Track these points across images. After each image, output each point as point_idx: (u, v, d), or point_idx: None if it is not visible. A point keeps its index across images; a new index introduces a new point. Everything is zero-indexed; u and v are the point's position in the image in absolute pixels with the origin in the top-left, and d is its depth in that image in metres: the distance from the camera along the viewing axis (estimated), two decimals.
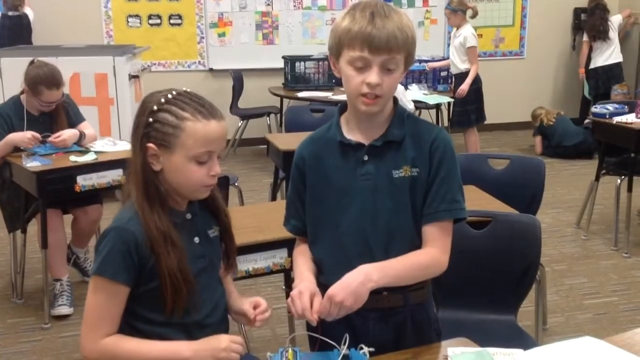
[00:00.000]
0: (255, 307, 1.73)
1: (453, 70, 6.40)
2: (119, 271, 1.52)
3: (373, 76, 1.60)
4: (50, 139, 3.64)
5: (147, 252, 1.53)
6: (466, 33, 6.08)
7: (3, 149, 3.60)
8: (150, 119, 1.55)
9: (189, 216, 1.64)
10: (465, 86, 6.16)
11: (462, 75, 6.22)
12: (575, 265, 4.32)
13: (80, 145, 3.75)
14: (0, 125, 3.62)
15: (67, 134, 3.68)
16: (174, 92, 1.58)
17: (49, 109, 3.67)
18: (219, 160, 1.62)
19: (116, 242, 1.53)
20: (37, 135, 3.61)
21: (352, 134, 1.73)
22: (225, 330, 1.71)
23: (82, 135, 3.77)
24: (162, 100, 1.56)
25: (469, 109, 6.28)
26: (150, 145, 1.55)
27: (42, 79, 3.56)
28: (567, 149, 6.98)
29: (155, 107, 1.55)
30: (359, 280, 1.57)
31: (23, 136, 3.59)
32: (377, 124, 1.71)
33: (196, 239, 1.64)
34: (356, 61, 1.61)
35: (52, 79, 3.58)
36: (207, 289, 1.64)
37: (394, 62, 1.61)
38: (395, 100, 1.74)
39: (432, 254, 1.69)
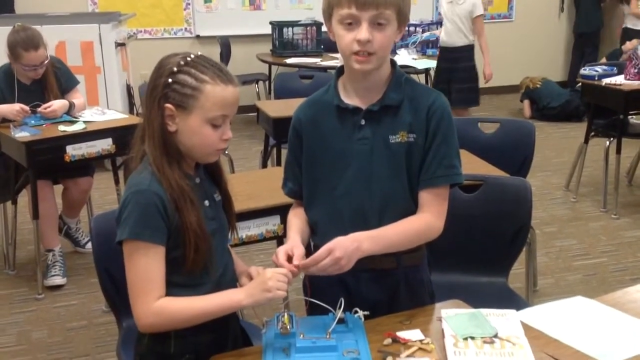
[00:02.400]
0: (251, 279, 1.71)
1: (448, 43, 5.65)
2: (155, 233, 1.52)
3: (363, 32, 1.59)
4: (39, 109, 3.61)
5: (172, 212, 1.54)
6: None
7: None
8: (170, 80, 1.55)
9: (198, 180, 1.65)
10: (489, 69, 5.66)
11: (463, 51, 5.61)
12: (565, 227, 4.36)
13: (70, 115, 3.72)
14: None
15: (57, 105, 3.65)
16: (192, 55, 1.58)
17: (35, 73, 3.61)
18: (230, 125, 1.63)
19: (145, 205, 1.51)
20: (26, 107, 3.58)
21: (349, 98, 1.73)
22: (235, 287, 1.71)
23: (71, 105, 3.74)
24: (182, 62, 1.56)
25: (475, 86, 5.74)
26: (168, 105, 1.55)
27: (18, 42, 3.51)
28: (555, 110, 6.99)
29: (175, 69, 1.55)
30: (353, 246, 1.59)
31: (11, 108, 3.56)
32: (374, 87, 1.70)
33: (206, 202, 1.65)
34: (345, 19, 1.61)
35: (29, 41, 3.52)
36: (218, 250, 1.66)
37: (384, 17, 1.60)
38: (393, 63, 1.73)
39: (425, 219, 1.70)
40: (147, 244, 1.52)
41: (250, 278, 1.69)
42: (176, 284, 1.58)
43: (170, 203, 1.53)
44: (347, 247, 1.57)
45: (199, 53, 1.61)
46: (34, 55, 3.53)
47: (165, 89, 1.55)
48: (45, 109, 3.61)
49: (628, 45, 6.56)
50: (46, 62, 3.61)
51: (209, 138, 1.57)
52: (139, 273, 1.53)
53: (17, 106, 3.56)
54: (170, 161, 1.57)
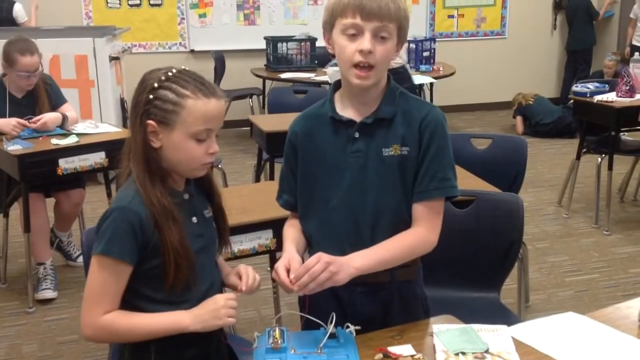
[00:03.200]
0: (240, 277, 1.73)
1: None
2: (124, 251, 1.52)
3: (366, 42, 1.60)
4: (30, 121, 3.61)
5: (150, 230, 1.53)
6: None
7: None
8: (151, 96, 1.54)
9: (186, 196, 1.64)
10: None
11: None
12: (557, 243, 4.37)
13: (63, 128, 3.72)
14: None
15: (48, 117, 3.65)
16: (174, 70, 1.58)
17: (28, 82, 3.60)
18: (216, 138, 1.63)
19: (121, 222, 1.52)
20: (23, 121, 3.57)
21: (344, 111, 1.73)
22: None
23: (64, 118, 3.74)
24: (163, 77, 1.56)
25: None
26: (150, 122, 1.54)
27: (14, 47, 3.54)
28: (547, 126, 7.03)
29: (156, 84, 1.55)
30: (344, 258, 1.60)
31: (7, 123, 3.55)
32: (369, 100, 1.71)
33: (194, 219, 1.64)
34: (349, 28, 1.62)
35: (25, 46, 3.55)
36: (204, 268, 1.65)
37: (387, 31, 1.62)
38: (388, 76, 1.74)
39: (418, 233, 1.70)
40: (114, 260, 1.53)
41: (239, 277, 1.71)
42: (157, 300, 1.58)
43: (149, 221, 1.53)
44: (336, 257, 1.58)
45: (183, 67, 1.60)
46: (29, 60, 3.54)
47: (146, 105, 1.55)
48: (35, 122, 3.61)
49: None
50: (39, 71, 3.62)
51: (193, 153, 1.56)
52: (96, 284, 1.55)
53: (13, 120, 3.56)
54: (153, 178, 1.56)
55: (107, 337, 1.59)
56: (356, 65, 1.63)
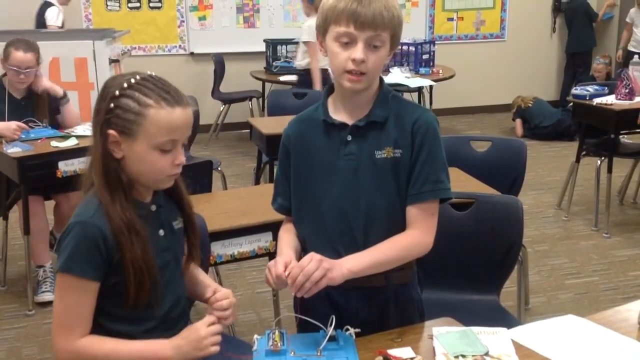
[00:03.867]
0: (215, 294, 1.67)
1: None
2: (86, 268, 1.46)
3: (358, 52, 1.60)
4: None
5: (113, 244, 1.48)
6: None
7: None
8: (112, 105, 1.48)
9: (153, 208, 1.59)
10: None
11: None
12: (557, 246, 4.37)
13: (60, 104, 3.76)
14: None
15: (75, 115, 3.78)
16: (137, 77, 1.51)
17: (19, 79, 3.60)
18: (183, 147, 1.56)
19: (81, 238, 1.46)
20: (23, 125, 3.58)
21: (337, 114, 1.74)
22: (185, 324, 1.65)
23: (65, 95, 3.79)
24: (125, 85, 1.49)
25: None
26: (111, 132, 1.48)
27: (13, 42, 3.60)
28: (547, 129, 7.03)
29: (117, 92, 1.48)
30: (338, 261, 1.61)
31: (8, 126, 3.55)
32: (361, 103, 1.72)
33: (161, 232, 1.60)
34: (342, 37, 1.62)
35: (22, 43, 3.60)
36: (170, 283, 1.60)
37: (380, 40, 1.62)
38: (381, 80, 1.75)
39: (412, 235, 1.70)
40: (77, 278, 1.47)
41: (214, 293, 1.65)
42: (117, 317, 1.54)
43: (112, 235, 1.47)
44: (327, 264, 1.57)
45: (149, 73, 1.54)
46: (21, 55, 3.56)
47: (107, 114, 1.48)
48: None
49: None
50: (33, 71, 3.63)
51: (158, 164, 1.50)
52: (65, 307, 1.49)
53: (13, 124, 3.56)
54: (113, 191, 1.49)
55: None
56: (349, 72, 1.64)
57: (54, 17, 6.16)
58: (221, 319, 1.60)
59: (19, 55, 3.56)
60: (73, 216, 1.51)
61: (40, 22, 6.28)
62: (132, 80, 1.50)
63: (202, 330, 1.52)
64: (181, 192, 1.67)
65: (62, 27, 6.10)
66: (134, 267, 1.48)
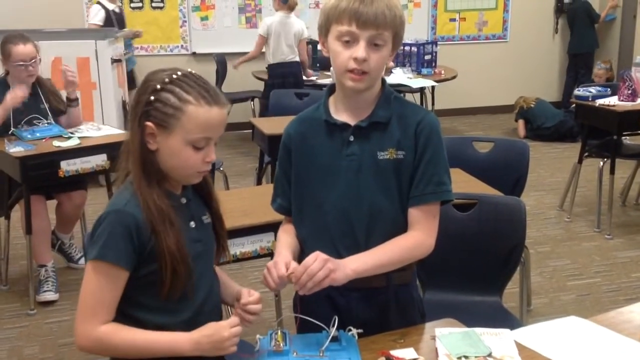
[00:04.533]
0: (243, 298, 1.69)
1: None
2: (120, 255, 1.48)
3: (360, 51, 1.60)
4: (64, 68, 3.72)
5: (147, 234, 1.50)
6: None
7: (2, 116, 3.57)
8: (152, 97, 1.51)
9: (184, 200, 1.61)
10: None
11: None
12: (559, 247, 4.36)
13: (70, 104, 3.75)
14: None
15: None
16: (179, 73, 1.54)
17: (27, 72, 3.61)
18: (215, 146, 1.59)
19: (116, 226, 1.48)
20: (23, 88, 3.58)
21: (339, 115, 1.73)
22: (218, 318, 1.66)
23: (76, 99, 3.80)
24: (167, 79, 1.52)
25: None
26: (149, 124, 1.51)
27: (7, 39, 3.61)
28: (549, 130, 7.02)
29: (158, 86, 1.51)
30: (342, 261, 1.60)
31: (14, 96, 3.55)
32: (363, 104, 1.71)
33: (192, 224, 1.61)
34: (344, 36, 1.62)
35: (18, 36, 3.61)
36: (202, 275, 1.61)
37: (382, 39, 1.62)
38: (383, 81, 1.74)
39: (415, 237, 1.70)
40: (109, 265, 1.48)
41: (238, 300, 1.67)
42: (151, 308, 1.55)
43: (146, 225, 1.49)
44: (331, 263, 1.57)
45: (190, 70, 1.57)
46: (22, 48, 3.57)
47: (147, 107, 1.51)
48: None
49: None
50: (37, 60, 3.64)
51: (189, 160, 1.53)
52: (91, 292, 1.51)
53: (17, 91, 3.55)
54: (150, 180, 1.52)
55: (101, 350, 1.52)
56: (350, 71, 1.63)
57: (92, 15, 6.15)
58: (244, 322, 1.62)
59: (20, 48, 3.57)
60: (107, 206, 1.54)
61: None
62: (174, 76, 1.53)
63: (226, 332, 1.51)
64: (209, 188, 1.69)
65: (104, 25, 6.04)
66: (170, 255, 1.50)
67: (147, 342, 1.51)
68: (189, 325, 1.55)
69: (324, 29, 1.68)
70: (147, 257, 1.51)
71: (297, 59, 6.26)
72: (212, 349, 1.51)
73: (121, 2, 6.70)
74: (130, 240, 1.49)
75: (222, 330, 1.51)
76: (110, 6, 6.16)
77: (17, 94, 3.54)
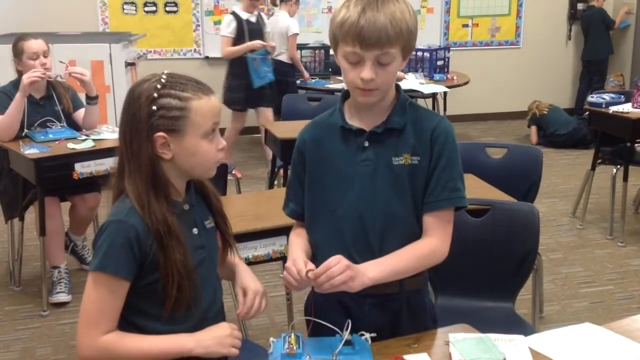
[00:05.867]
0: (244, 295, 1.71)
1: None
2: (121, 266, 1.48)
3: (366, 72, 1.60)
4: (70, 69, 3.70)
5: (148, 245, 1.50)
6: None
7: (20, 103, 3.56)
8: (154, 107, 1.50)
9: (186, 207, 1.61)
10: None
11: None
12: (571, 254, 4.34)
13: (89, 102, 3.78)
14: (3, 99, 3.61)
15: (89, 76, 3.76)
16: (164, 76, 1.53)
17: (42, 66, 3.62)
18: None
19: (117, 237, 1.48)
20: (37, 68, 3.59)
21: (353, 120, 1.74)
22: (222, 321, 1.67)
23: (96, 97, 3.80)
24: (158, 85, 1.51)
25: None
26: (160, 134, 1.50)
27: (18, 38, 3.67)
28: (562, 137, 7.00)
29: (155, 94, 1.50)
30: (361, 268, 1.59)
31: (30, 75, 3.53)
32: (378, 111, 1.72)
33: (195, 230, 1.62)
34: (349, 56, 1.61)
35: (25, 34, 3.68)
36: (205, 281, 1.62)
37: (388, 56, 1.60)
38: (397, 87, 1.74)
39: (430, 243, 1.70)
40: (109, 276, 1.49)
41: (244, 295, 1.69)
42: (154, 316, 1.55)
43: (148, 235, 1.49)
44: (353, 263, 1.57)
45: (166, 71, 1.56)
46: (34, 42, 3.63)
47: (150, 119, 1.50)
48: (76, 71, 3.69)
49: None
50: (49, 56, 3.68)
51: (208, 153, 1.55)
52: (93, 302, 1.51)
53: (34, 71, 3.55)
54: (158, 194, 1.52)
55: (105, 359, 1.53)
56: (359, 88, 1.64)
57: (224, 26, 5.76)
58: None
59: (32, 43, 3.62)
60: (108, 216, 1.54)
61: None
62: (163, 80, 1.53)
63: (227, 329, 1.56)
64: (206, 185, 1.70)
65: (235, 37, 5.66)
66: (176, 272, 1.51)
67: (151, 347, 1.53)
68: (193, 332, 1.58)
69: (333, 43, 1.67)
70: (148, 267, 1.51)
71: (282, 57, 6.24)
72: (215, 344, 1.54)
73: (266, 7, 6.49)
74: (130, 250, 1.49)
75: (223, 327, 1.56)
76: (245, 15, 5.70)
77: (35, 75, 3.54)
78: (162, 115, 1.50)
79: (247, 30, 5.68)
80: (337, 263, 1.55)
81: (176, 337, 1.55)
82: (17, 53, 3.64)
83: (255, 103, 5.86)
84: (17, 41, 3.67)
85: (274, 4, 6.37)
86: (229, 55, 5.71)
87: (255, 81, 5.68)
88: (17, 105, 3.55)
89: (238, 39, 5.65)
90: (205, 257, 1.63)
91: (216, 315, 1.67)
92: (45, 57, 3.66)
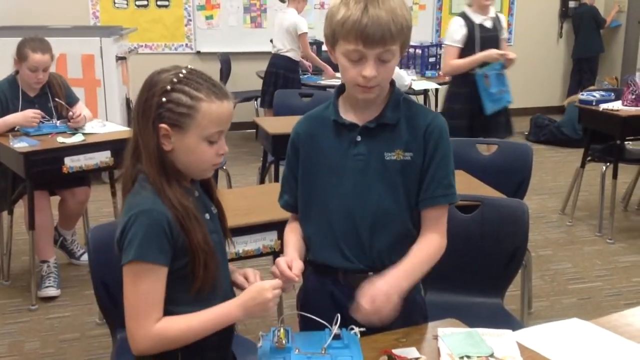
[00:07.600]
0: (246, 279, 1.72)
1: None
2: (159, 254, 1.48)
3: (369, 69, 1.60)
4: (72, 116, 3.68)
5: (177, 230, 1.50)
6: None
7: (9, 126, 3.57)
8: (164, 99, 1.51)
9: (197, 194, 1.63)
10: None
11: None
12: (560, 251, 4.36)
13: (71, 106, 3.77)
14: None
15: (87, 114, 3.78)
16: (184, 71, 1.54)
17: (37, 78, 3.62)
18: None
19: (150, 225, 1.47)
20: (38, 111, 3.59)
21: (347, 114, 1.74)
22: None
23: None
24: (175, 79, 1.52)
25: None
26: (163, 126, 1.51)
27: (27, 42, 3.59)
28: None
29: (168, 87, 1.51)
30: (394, 290, 1.59)
31: (25, 116, 3.56)
32: (372, 105, 1.72)
33: (207, 215, 1.63)
34: (351, 54, 1.61)
35: (39, 43, 3.60)
36: (222, 263, 1.64)
37: (390, 53, 1.61)
38: (392, 83, 1.75)
39: (436, 241, 1.72)
40: (151, 265, 1.48)
41: (245, 277, 1.69)
42: (184, 302, 1.55)
43: (175, 222, 1.50)
44: (389, 295, 1.57)
45: (190, 67, 1.57)
46: (40, 57, 3.57)
47: (159, 109, 1.51)
48: (75, 117, 3.68)
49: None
50: (48, 71, 3.65)
51: (205, 155, 1.55)
52: (140, 295, 1.49)
53: (30, 112, 3.57)
54: (170, 180, 1.53)
55: (162, 346, 1.51)
56: (360, 85, 1.64)
57: (450, 32, 4.45)
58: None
59: (38, 57, 3.56)
60: (131, 208, 1.51)
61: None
62: (181, 75, 1.53)
63: (270, 293, 1.54)
64: (210, 181, 1.71)
65: (464, 47, 4.34)
66: (201, 251, 1.52)
67: (201, 323, 1.53)
68: None
69: (331, 40, 1.66)
70: (179, 252, 1.52)
71: (290, 54, 6.23)
72: (258, 310, 1.55)
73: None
74: (165, 237, 1.49)
75: (265, 292, 1.54)
76: (478, 19, 4.33)
77: (30, 117, 3.57)
78: (169, 109, 1.51)
79: (479, 39, 4.34)
80: (369, 306, 1.55)
81: (222, 308, 1.55)
82: (20, 57, 3.58)
83: (484, 133, 4.24)
84: (24, 45, 3.59)
85: (282, 0, 6.34)
86: (454, 71, 4.44)
87: (487, 106, 4.35)
88: (6, 125, 3.58)
89: (467, 49, 4.31)
90: (218, 241, 1.64)
91: (230, 294, 1.67)
92: (45, 71, 3.63)
